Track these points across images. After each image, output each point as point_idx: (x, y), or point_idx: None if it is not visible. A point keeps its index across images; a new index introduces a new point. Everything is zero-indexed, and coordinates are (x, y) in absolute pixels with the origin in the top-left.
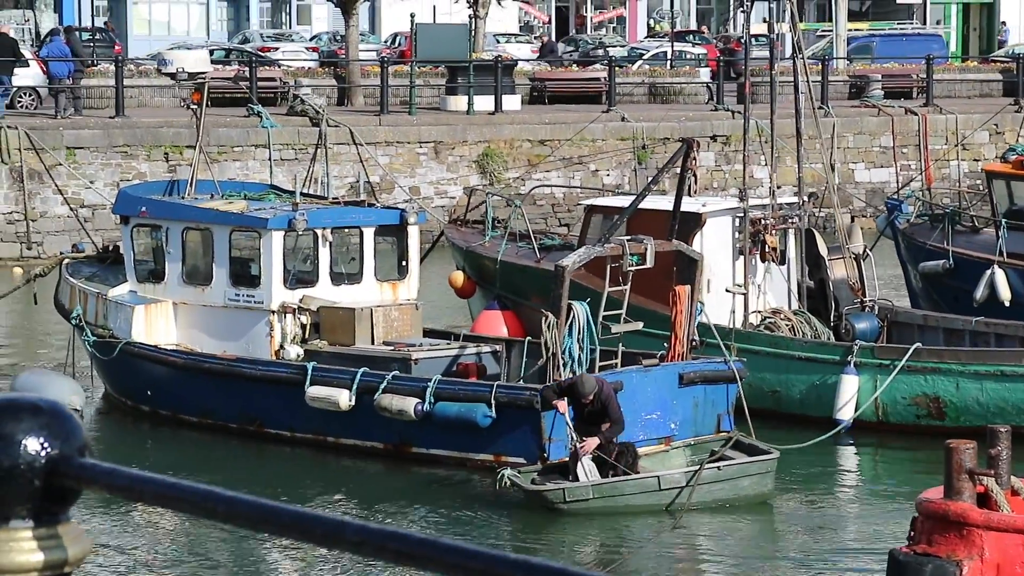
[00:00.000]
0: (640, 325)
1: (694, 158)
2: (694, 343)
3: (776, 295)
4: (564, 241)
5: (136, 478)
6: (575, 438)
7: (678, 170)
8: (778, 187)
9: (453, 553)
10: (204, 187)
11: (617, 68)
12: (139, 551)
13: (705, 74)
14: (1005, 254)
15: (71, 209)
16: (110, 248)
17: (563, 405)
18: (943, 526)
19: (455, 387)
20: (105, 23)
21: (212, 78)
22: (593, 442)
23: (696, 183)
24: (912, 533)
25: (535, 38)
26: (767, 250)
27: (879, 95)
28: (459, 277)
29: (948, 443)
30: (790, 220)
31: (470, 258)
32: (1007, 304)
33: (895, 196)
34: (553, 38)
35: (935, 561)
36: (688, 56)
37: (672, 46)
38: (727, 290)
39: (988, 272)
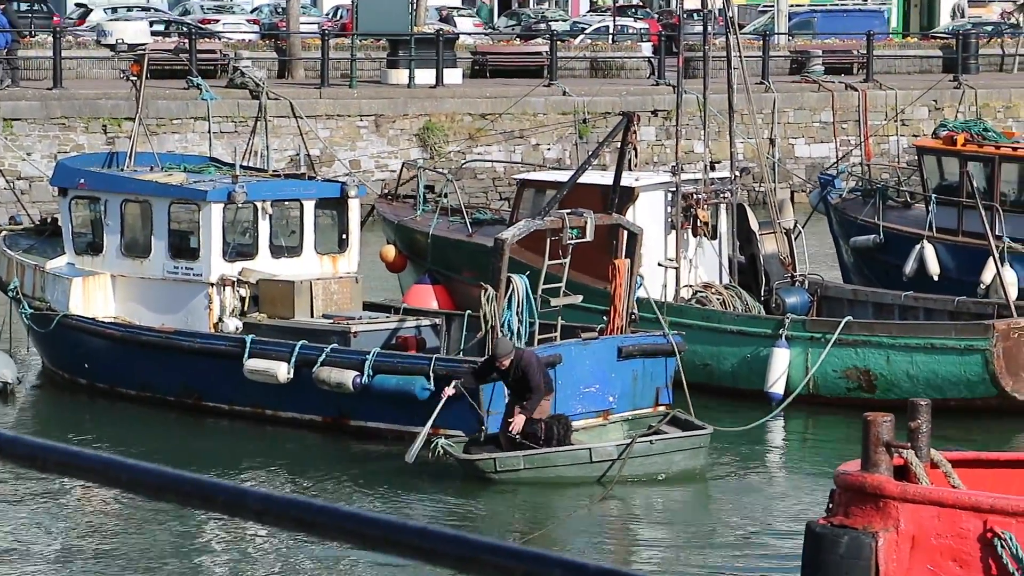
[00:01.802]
0: (580, 298)
1: (634, 132)
2: (633, 317)
3: (707, 269)
4: (496, 215)
5: (37, 447)
6: (504, 420)
7: (618, 144)
8: (719, 162)
9: (352, 520)
10: (144, 159)
11: (559, 42)
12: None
13: (647, 49)
14: (935, 229)
15: (7, 181)
16: (48, 220)
17: (448, 391)
18: (860, 498)
19: (394, 360)
20: None
21: (152, 50)
22: (520, 420)
23: (636, 157)
24: (830, 505)
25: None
26: (699, 224)
27: (820, 71)
28: (390, 251)
29: (866, 416)
30: (722, 195)
31: (401, 232)
32: (936, 279)
33: (828, 171)
34: (496, 11)
35: (851, 533)
36: (630, 31)
37: (614, 20)
38: (659, 264)
39: (917, 247)
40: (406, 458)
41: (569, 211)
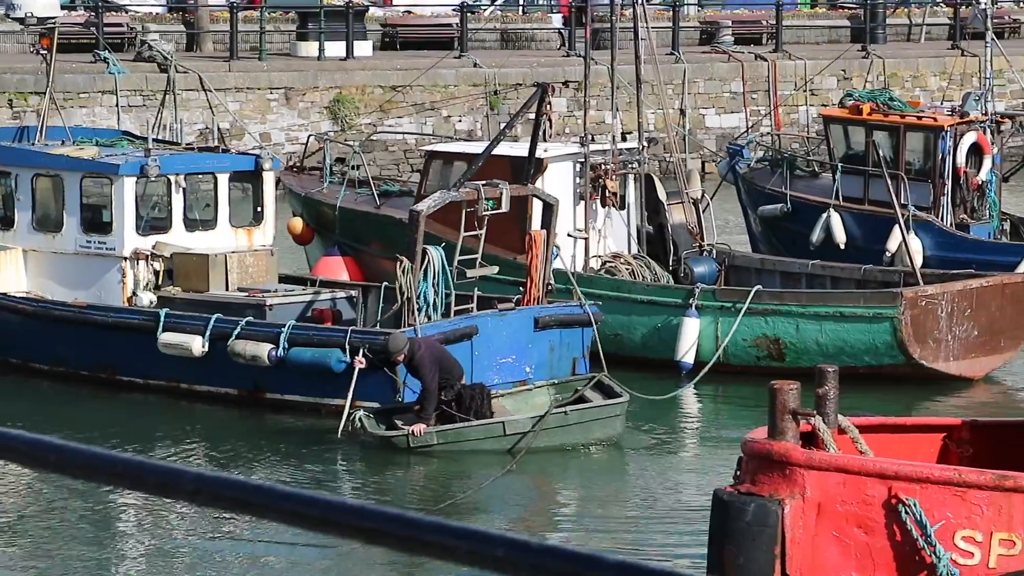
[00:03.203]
0: (496, 270)
1: (549, 103)
2: (549, 287)
3: (616, 240)
4: (404, 187)
5: None
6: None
7: (531, 115)
8: (630, 132)
9: (290, 500)
10: (55, 133)
11: (469, 14)
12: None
13: (557, 20)
14: (841, 198)
15: None
16: None
17: (360, 361)
18: (766, 466)
19: (309, 333)
20: None
21: (62, 23)
22: (420, 427)
23: (551, 128)
24: (738, 473)
25: None
26: (607, 195)
27: (729, 41)
28: (297, 224)
29: (772, 384)
30: (630, 165)
31: (308, 205)
32: (842, 247)
33: (736, 142)
34: None
35: (757, 500)
36: (540, 2)
37: None
38: (568, 235)
39: (824, 216)
40: (338, 434)
41: (484, 182)
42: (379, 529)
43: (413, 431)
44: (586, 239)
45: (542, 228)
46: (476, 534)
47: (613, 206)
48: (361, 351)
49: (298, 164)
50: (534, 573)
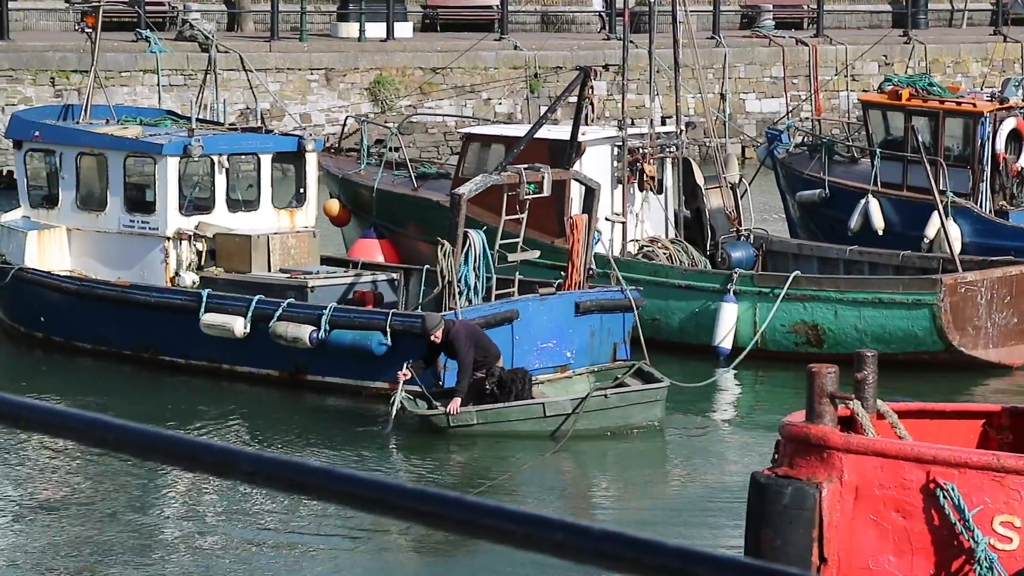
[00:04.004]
0: (537, 254)
1: (591, 87)
2: (591, 272)
3: (653, 224)
4: (441, 170)
5: (20, 406)
6: (438, 404)
7: (572, 99)
8: (669, 116)
9: (347, 482)
10: (99, 112)
11: None
12: (36, 485)
13: (597, 3)
14: (880, 183)
15: None
16: (3, 173)
17: (405, 375)
18: (804, 449)
19: (350, 315)
20: None
21: (106, 1)
22: (456, 402)
23: (593, 112)
24: (775, 456)
25: None
26: (645, 179)
27: (770, 25)
28: (334, 205)
29: (810, 367)
30: (668, 149)
31: (345, 186)
32: (880, 233)
33: (775, 127)
34: None
35: (795, 483)
36: None
37: None
38: (606, 219)
39: (862, 201)
40: (390, 429)
41: (526, 166)
42: (436, 512)
43: (449, 409)
44: (624, 223)
45: (583, 212)
46: (535, 519)
47: (651, 190)
48: (406, 364)
49: (335, 145)
50: (594, 558)
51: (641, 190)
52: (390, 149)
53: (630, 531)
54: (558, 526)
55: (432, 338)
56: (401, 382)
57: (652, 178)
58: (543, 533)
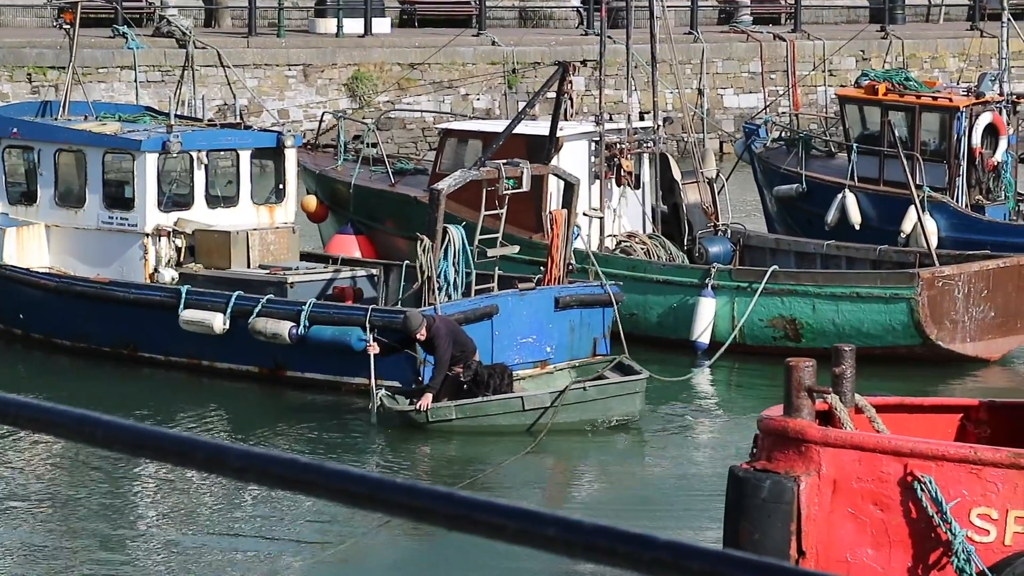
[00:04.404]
0: (516, 249)
1: (570, 82)
2: (571, 267)
3: (631, 219)
4: (418, 165)
5: (8, 402)
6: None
7: (551, 94)
8: (648, 112)
9: (338, 478)
10: (78, 108)
11: None
12: (18, 480)
13: None
14: (856, 178)
15: None
16: None
17: (373, 347)
18: (782, 443)
19: (330, 311)
20: None
21: None
22: (427, 398)
23: (572, 107)
24: (754, 450)
25: None
26: (622, 174)
27: (748, 21)
28: (311, 201)
29: (788, 361)
30: (645, 144)
31: (322, 182)
32: (857, 227)
33: (753, 121)
34: None
35: (773, 477)
36: None
37: None
38: (584, 214)
39: (839, 196)
40: (373, 420)
41: (505, 161)
42: (428, 507)
43: (420, 405)
44: (601, 218)
45: (563, 207)
46: (527, 513)
47: (628, 185)
48: (371, 336)
49: (312, 141)
50: (586, 553)
51: (619, 185)
52: (368, 145)
53: (622, 525)
54: (549, 521)
55: (415, 337)
56: (372, 355)
57: (629, 173)
58: (535, 528)
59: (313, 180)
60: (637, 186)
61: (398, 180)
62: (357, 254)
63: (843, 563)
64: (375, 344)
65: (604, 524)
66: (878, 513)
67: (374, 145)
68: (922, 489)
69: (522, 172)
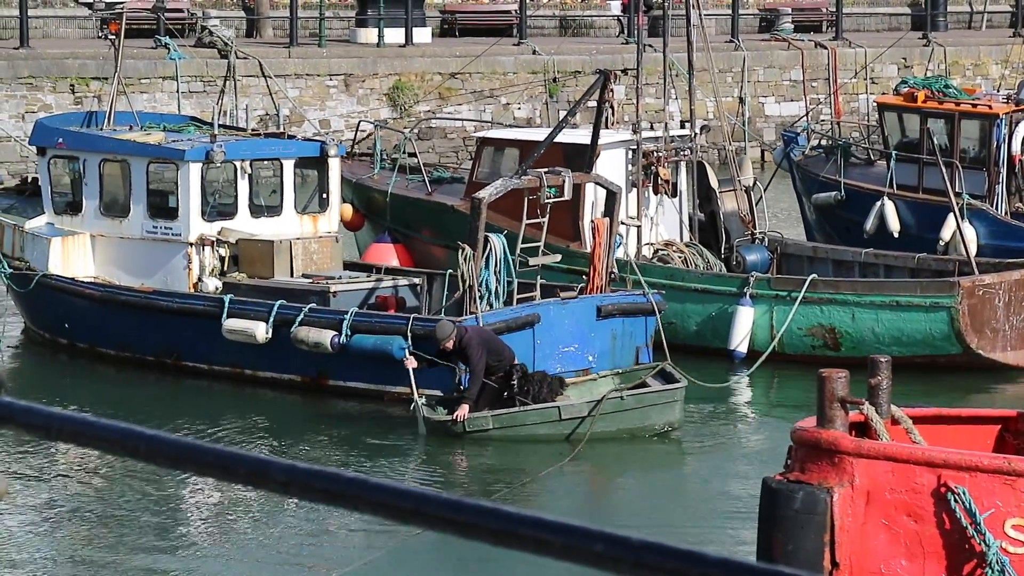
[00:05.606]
0: (558, 258)
1: (610, 90)
2: (613, 276)
3: (668, 227)
4: (455, 174)
5: (51, 416)
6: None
7: (593, 103)
8: (688, 120)
9: (382, 492)
10: (123, 118)
11: (528, 0)
12: (60, 491)
13: (616, 7)
14: (895, 186)
15: None
16: (28, 180)
17: (411, 362)
18: (815, 454)
19: (372, 320)
20: None
21: (130, 8)
22: (464, 409)
23: (613, 115)
24: (788, 461)
25: None
26: (660, 182)
27: (789, 28)
28: (348, 210)
29: (821, 372)
30: (682, 153)
31: (359, 191)
32: (896, 235)
33: (792, 129)
34: None
35: (806, 488)
36: None
37: None
38: (621, 222)
39: (878, 204)
40: (421, 431)
41: (546, 170)
42: (472, 522)
43: (456, 416)
44: (639, 227)
45: (605, 216)
46: (574, 529)
47: (665, 194)
48: (407, 351)
49: (349, 150)
50: (635, 570)
51: (656, 194)
52: (407, 154)
53: (670, 541)
54: (597, 536)
55: (443, 347)
56: (411, 369)
57: (666, 182)
58: (582, 544)
59: (350, 188)
60: (674, 194)
61: (435, 189)
62: (395, 263)
63: (877, 574)
64: (412, 358)
65: (652, 540)
66: (912, 524)
67: (412, 154)
68: (956, 500)
69: (564, 180)
